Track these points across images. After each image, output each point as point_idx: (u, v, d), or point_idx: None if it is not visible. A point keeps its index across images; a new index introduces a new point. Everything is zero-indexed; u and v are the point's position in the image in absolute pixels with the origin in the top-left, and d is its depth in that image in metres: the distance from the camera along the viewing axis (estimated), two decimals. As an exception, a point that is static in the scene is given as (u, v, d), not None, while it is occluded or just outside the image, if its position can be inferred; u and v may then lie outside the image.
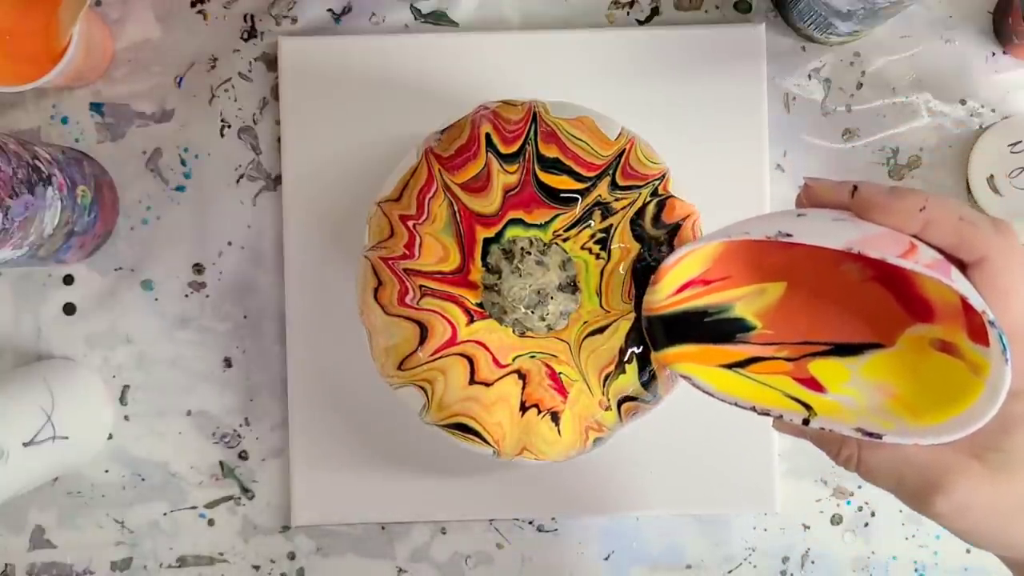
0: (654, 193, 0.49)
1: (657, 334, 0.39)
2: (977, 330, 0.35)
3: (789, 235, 0.33)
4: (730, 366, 0.38)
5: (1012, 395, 0.35)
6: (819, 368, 0.38)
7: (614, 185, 0.49)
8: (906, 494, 0.37)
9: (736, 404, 0.37)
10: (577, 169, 0.48)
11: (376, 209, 0.51)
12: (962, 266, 0.35)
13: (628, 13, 0.63)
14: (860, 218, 0.36)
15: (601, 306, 0.49)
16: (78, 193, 0.56)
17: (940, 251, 0.35)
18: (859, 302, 0.38)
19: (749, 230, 0.34)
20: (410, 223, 0.50)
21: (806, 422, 0.36)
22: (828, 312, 0.39)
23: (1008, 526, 0.37)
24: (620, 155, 0.49)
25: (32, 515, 0.63)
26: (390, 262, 0.50)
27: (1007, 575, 0.64)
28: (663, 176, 0.50)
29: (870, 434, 0.35)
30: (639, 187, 0.49)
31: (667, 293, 0.37)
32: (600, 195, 0.49)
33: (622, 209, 0.49)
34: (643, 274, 0.48)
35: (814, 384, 0.38)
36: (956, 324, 0.36)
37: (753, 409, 0.37)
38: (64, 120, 0.62)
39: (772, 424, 0.38)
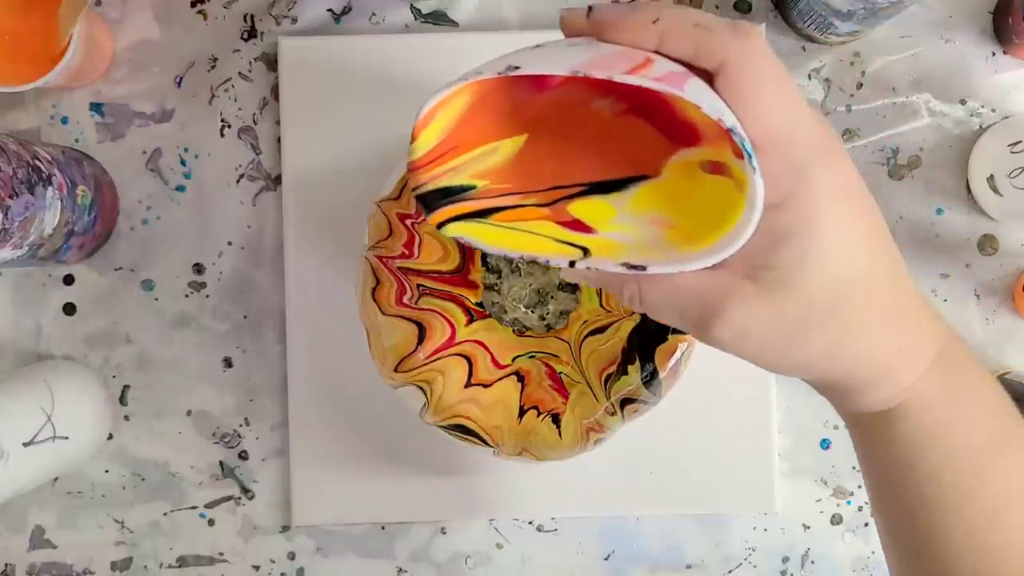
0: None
1: (426, 203, 0.36)
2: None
3: (517, 68, 0.31)
4: (473, 215, 0.36)
5: (775, 208, 0.33)
6: (580, 209, 0.36)
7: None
8: (689, 324, 0.36)
9: (506, 256, 0.35)
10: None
11: (376, 209, 0.51)
12: (710, 77, 0.33)
13: (628, 13, 0.63)
14: (599, 41, 0.34)
15: (601, 305, 0.49)
16: (78, 193, 0.56)
17: (685, 64, 0.33)
18: (617, 137, 0.36)
19: (482, 70, 0.32)
20: (409, 222, 0.50)
21: (572, 264, 0.34)
22: (580, 154, 0.36)
23: (791, 345, 0.35)
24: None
25: (32, 515, 0.63)
26: (388, 261, 0.50)
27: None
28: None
29: (634, 267, 0.33)
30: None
31: (424, 152, 0.34)
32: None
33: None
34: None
35: (580, 226, 0.36)
36: (723, 141, 0.33)
37: (521, 258, 0.35)
38: (64, 120, 0.62)
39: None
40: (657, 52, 0.33)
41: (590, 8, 0.34)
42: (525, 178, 0.36)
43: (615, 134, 0.36)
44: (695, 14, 0.33)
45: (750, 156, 0.31)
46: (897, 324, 0.36)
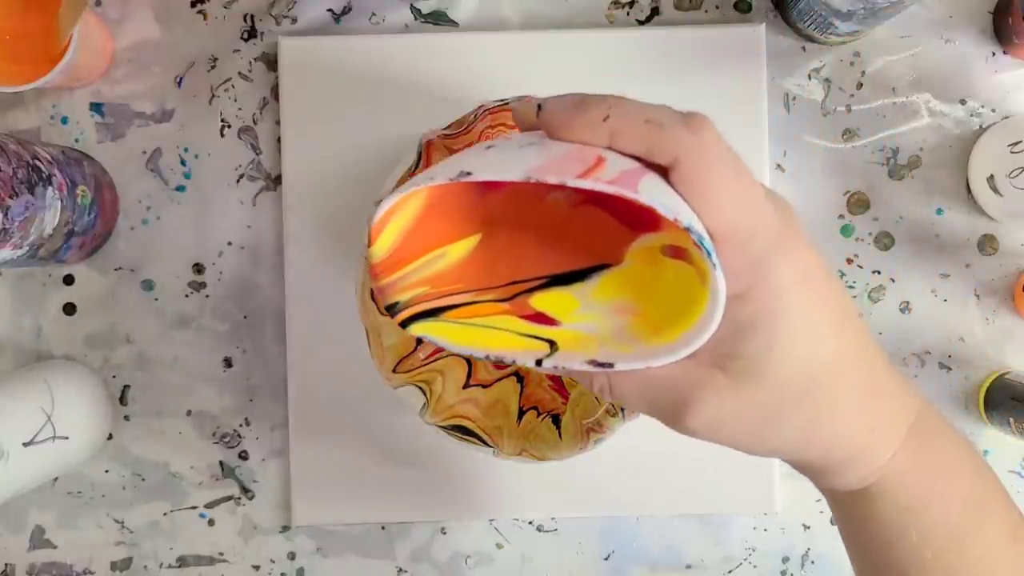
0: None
1: (387, 308, 0.36)
2: None
3: (469, 173, 0.30)
4: (427, 313, 0.35)
5: (738, 299, 0.33)
6: (542, 302, 0.36)
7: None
8: (660, 415, 0.36)
9: (472, 356, 0.35)
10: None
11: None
12: (665, 171, 0.32)
13: (628, 13, 0.63)
14: (551, 138, 0.33)
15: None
16: (78, 193, 0.56)
17: (638, 159, 0.32)
18: (575, 228, 0.36)
19: (434, 175, 0.31)
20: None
21: (539, 363, 0.34)
22: (537, 246, 0.36)
23: (764, 431, 0.35)
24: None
25: (32, 515, 0.63)
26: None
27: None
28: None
29: (601, 364, 0.33)
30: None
31: (382, 255, 0.34)
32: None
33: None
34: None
35: (544, 318, 0.35)
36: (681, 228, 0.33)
37: (487, 358, 0.34)
38: (64, 120, 0.62)
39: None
40: (609, 148, 0.33)
41: (539, 106, 0.34)
42: (479, 277, 0.36)
43: (573, 224, 0.36)
44: (646, 109, 0.32)
45: (709, 253, 0.30)
46: (868, 403, 0.36)
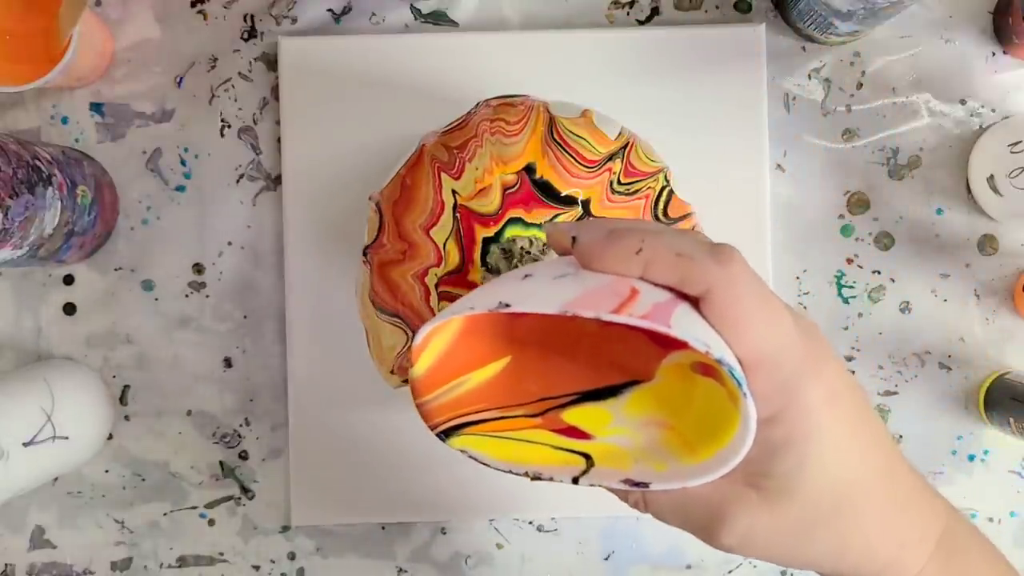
0: (660, 193, 0.49)
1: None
2: None
3: (508, 305, 0.32)
4: (462, 426, 0.37)
5: (769, 421, 0.34)
6: (575, 416, 0.37)
7: (615, 184, 0.49)
8: (695, 531, 0.37)
9: (511, 472, 0.36)
10: (577, 167, 0.48)
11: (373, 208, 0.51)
12: (696, 300, 0.34)
13: (628, 13, 0.63)
14: (584, 268, 0.35)
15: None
16: (78, 193, 0.56)
17: (671, 289, 0.34)
18: (606, 345, 0.38)
19: (474, 304, 0.33)
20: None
21: (575, 480, 0.36)
22: (569, 364, 0.38)
23: (797, 547, 0.36)
24: (622, 152, 0.49)
25: (32, 515, 0.63)
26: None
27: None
28: (662, 174, 0.50)
29: (637, 484, 0.35)
30: (641, 185, 0.49)
31: (423, 372, 0.36)
32: (600, 195, 0.49)
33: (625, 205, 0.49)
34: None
35: (577, 432, 0.37)
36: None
37: (526, 474, 0.36)
38: (64, 120, 0.63)
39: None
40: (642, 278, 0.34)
41: (574, 238, 0.35)
42: (508, 395, 0.37)
43: (604, 342, 0.37)
44: (676, 241, 0.34)
45: (740, 383, 0.32)
46: (897, 518, 0.37)
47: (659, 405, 0.37)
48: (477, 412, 0.37)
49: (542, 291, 0.34)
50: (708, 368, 0.35)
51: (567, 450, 0.36)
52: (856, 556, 0.37)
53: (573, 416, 0.37)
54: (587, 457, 0.36)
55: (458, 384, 0.37)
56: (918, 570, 0.38)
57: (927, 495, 0.39)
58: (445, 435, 0.37)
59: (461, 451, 0.37)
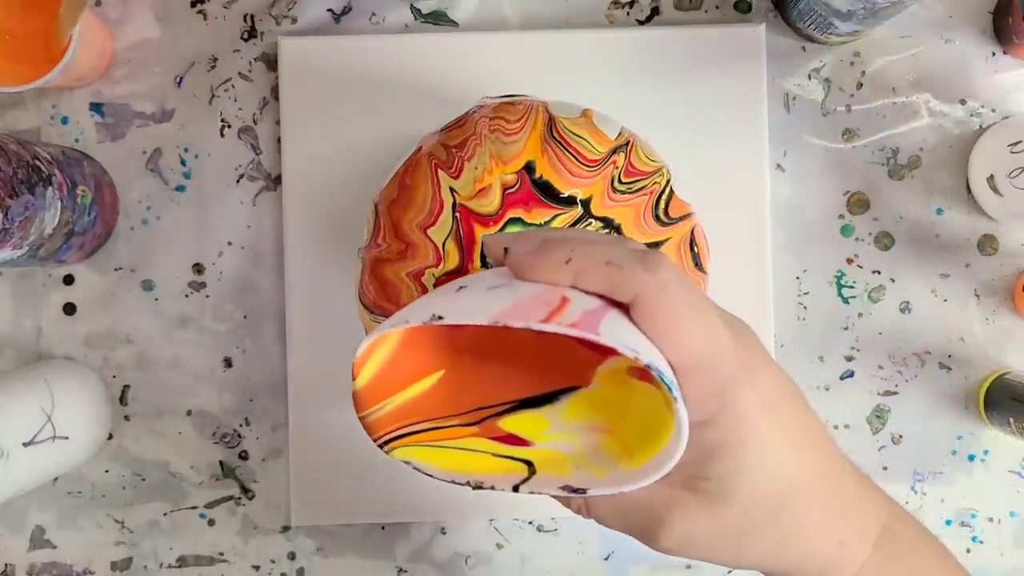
0: (660, 192, 0.49)
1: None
2: None
3: (441, 317, 0.33)
4: (398, 437, 0.38)
5: (704, 425, 0.35)
6: (513, 424, 0.38)
7: (616, 184, 0.49)
8: (635, 534, 0.38)
9: (454, 481, 0.37)
10: (578, 166, 0.48)
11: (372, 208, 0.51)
12: (627, 307, 0.35)
13: (628, 13, 0.63)
14: (517, 278, 0.35)
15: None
16: (78, 193, 0.56)
17: (603, 297, 0.35)
18: (542, 353, 0.38)
19: (408, 317, 0.34)
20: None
21: (516, 488, 0.36)
22: (505, 373, 0.38)
23: (737, 548, 0.37)
24: (622, 152, 0.49)
25: (32, 515, 0.63)
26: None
27: (1007, 574, 0.64)
28: (663, 174, 0.50)
29: (576, 490, 0.35)
30: (641, 184, 0.49)
31: (363, 384, 0.37)
32: (601, 194, 0.49)
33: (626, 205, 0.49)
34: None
35: (515, 439, 0.38)
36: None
37: (468, 483, 0.37)
38: (64, 120, 0.63)
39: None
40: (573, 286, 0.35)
41: (506, 248, 0.36)
42: (443, 407, 0.38)
43: (541, 349, 0.38)
44: (606, 250, 0.35)
45: (670, 387, 0.32)
46: (837, 518, 0.38)
47: (597, 410, 0.37)
48: (416, 423, 0.37)
49: (476, 302, 0.34)
50: (643, 372, 0.35)
51: (508, 457, 0.37)
52: (797, 555, 0.37)
53: (510, 424, 0.38)
54: (529, 464, 0.37)
55: (398, 396, 0.37)
56: (857, 568, 0.38)
57: (870, 494, 0.40)
58: (387, 446, 0.37)
59: (405, 462, 0.37)
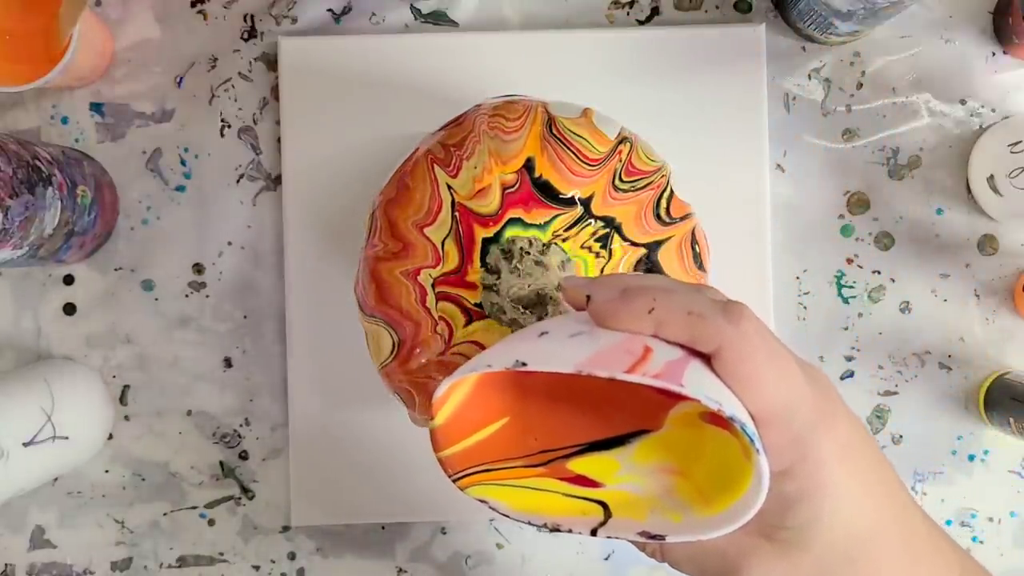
0: (661, 191, 0.49)
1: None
2: None
3: (524, 364, 0.33)
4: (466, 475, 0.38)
5: (782, 475, 0.35)
6: (582, 466, 0.38)
7: (617, 182, 0.49)
8: None
9: (530, 523, 0.37)
10: (578, 165, 0.48)
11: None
12: (708, 357, 0.35)
13: (628, 13, 0.63)
14: (599, 326, 0.36)
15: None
16: (78, 193, 0.56)
17: (683, 346, 0.35)
18: (614, 396, 0.38)
19: (492, 362, 0.34)
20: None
21: (594, 532, 0.36)
22: (575, 414, 0.39)
23: None
24: (622, 152, 0.49)
25: (32, 515, 0.63)
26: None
27: (1007, 574, 0.64)
28: (663, 173, 0.50)
29: (654, 536, 0.35)
30: (649, 179, 0.49)
31: (442, 422, 0.37)
32: (602, 192, 0.49)
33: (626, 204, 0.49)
34: (647, 272, 0.48)
35: (585, 481, 0.38)
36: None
37: (544, 526, 0.37)
38: (64, 120, 0.63)
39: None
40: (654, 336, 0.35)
41: (588, 296, 0.36)
42: (510, 449, 0.38)
43: (612, 393, 0.38)
44: (688, 300, 0.35)
45: (752, 440, 0.32)
46: (910, 564, 0.38)
47: (668, 453, 0.37)
48: (485, 463, 0.38)
49: (558, 349, 0.34)
50: (716, 417, 0.35)
51: (582, 498, 0.37)
52: None
53: (580, 466, 0.38)
54: (604, 505, 0.37)
55: (472, 437, 0.38)
56: None
57: (942, 544, 0.40)
58: (460, 482, 0.37)
59: (481, 501, 0.37)
